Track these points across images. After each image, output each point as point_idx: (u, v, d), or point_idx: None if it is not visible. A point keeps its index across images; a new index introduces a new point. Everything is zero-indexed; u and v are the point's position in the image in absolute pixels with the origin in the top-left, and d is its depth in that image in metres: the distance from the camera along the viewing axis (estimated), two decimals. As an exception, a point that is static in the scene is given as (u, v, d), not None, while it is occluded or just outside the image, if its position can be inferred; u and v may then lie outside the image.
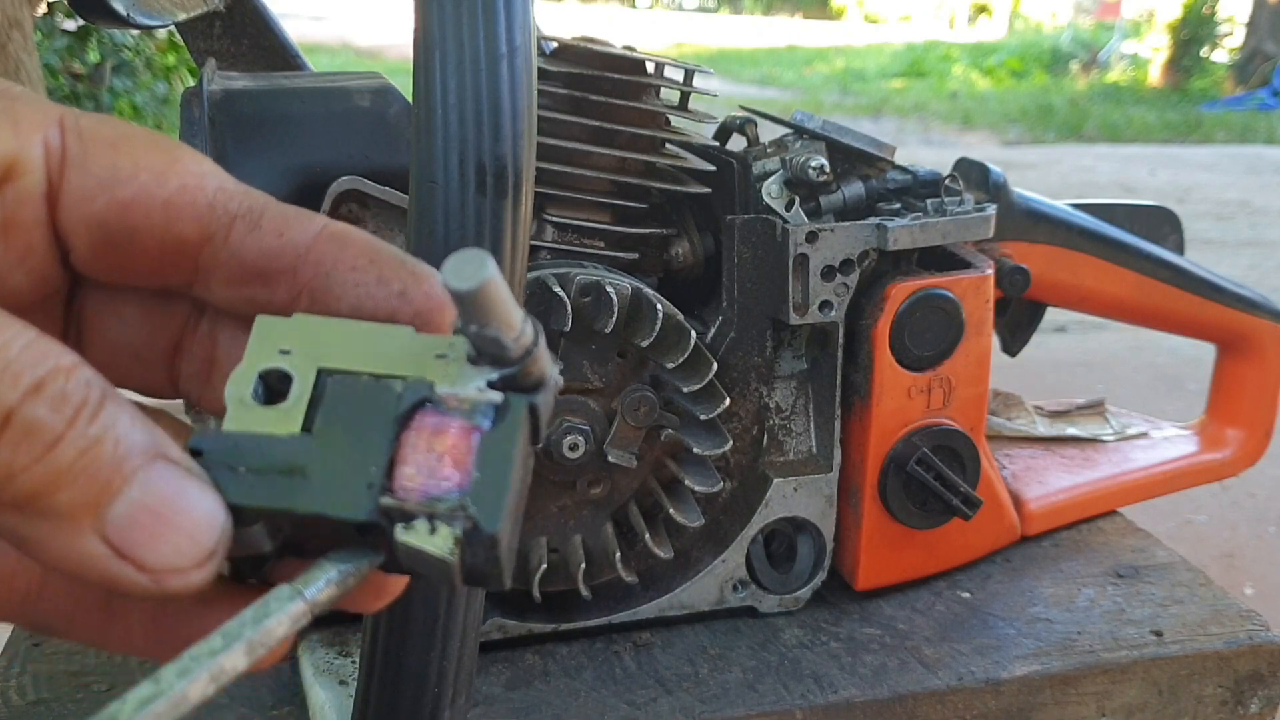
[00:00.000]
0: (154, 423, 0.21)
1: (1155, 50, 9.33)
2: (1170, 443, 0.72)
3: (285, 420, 0.22)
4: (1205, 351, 0.73)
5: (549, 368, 0.22)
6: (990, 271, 0.56)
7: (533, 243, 0.51)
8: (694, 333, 0.50)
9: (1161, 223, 0.71)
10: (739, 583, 0.55)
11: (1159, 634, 0.55)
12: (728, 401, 0.52)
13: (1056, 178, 4.68)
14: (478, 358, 0.22)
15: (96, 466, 0.19)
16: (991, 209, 0.56)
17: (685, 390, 0.51)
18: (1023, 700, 0.52)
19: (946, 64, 10.39)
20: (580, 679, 0.51)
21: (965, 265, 0.56)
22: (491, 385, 0.21)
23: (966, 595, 0.58)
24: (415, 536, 0.21)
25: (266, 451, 0.21)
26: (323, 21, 11.19)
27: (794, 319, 0.52)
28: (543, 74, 0.50)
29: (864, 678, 0.51)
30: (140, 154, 0.23)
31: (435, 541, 0.21)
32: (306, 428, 0.22)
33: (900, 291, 0.53)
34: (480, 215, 0.28)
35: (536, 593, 0.52)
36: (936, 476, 0.55)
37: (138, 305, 0.25)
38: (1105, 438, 0.73)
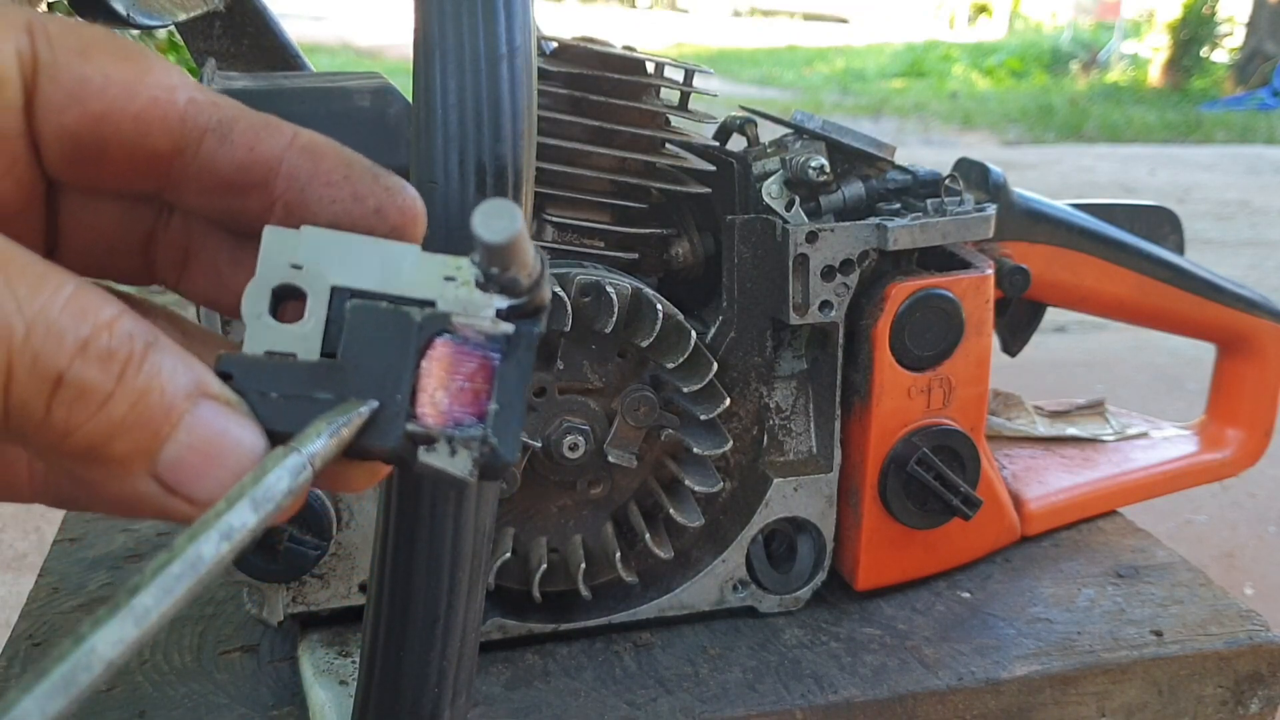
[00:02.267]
0: (194, 358, 0.21)
1: (1155, 50, 9.33)
2: (1170, 443, 0.72)
3: (305, 341, 0.23)
4: (1205, 351, 0.73)
5: (549, 294, 0.24)
6: (990, 272, 0.56)
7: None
8: (694, 333, 0.50)
9: (1161, 223, 0.71)
10: (739, 583, 0.55)
11: (1159, 634, 0.55)
12: (728, 401, 0.52)
13: (1056, 178, 4.68)
14: (486, 284, 0.23)
15: (147, 416, 0.20)
16: (991, 209, 0.56)
17: (685, 390, 0.51)
18: (1023, 700, 0.52)
19: (946, 64, 10.39)
20: (580, 679, 0.51)
21: (965, 265, 0.56)
22: (500, 313, 0.23)
23: (966, 595, 0.58)
24: (437, 459, 0.23)
25: (297, 378, 0.23)
26: (323, 21, 11.19)
27: (794, 319, 0.52)
28: (542, 74, 0.50)
29: (864, 678, 0.51)
30: (110, 64, 0.23)
31: (456, 464, 0.23)
32: (328, 350, 0.23)
33: (900, 291, 0.53)
34: None
35: (537, 593, 0.52)
36: (936, 477, 0.55)
37: (112, 203, 0.25)
38: (1105, 438, 0.73)
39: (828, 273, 0.52)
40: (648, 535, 0.52)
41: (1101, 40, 10.99)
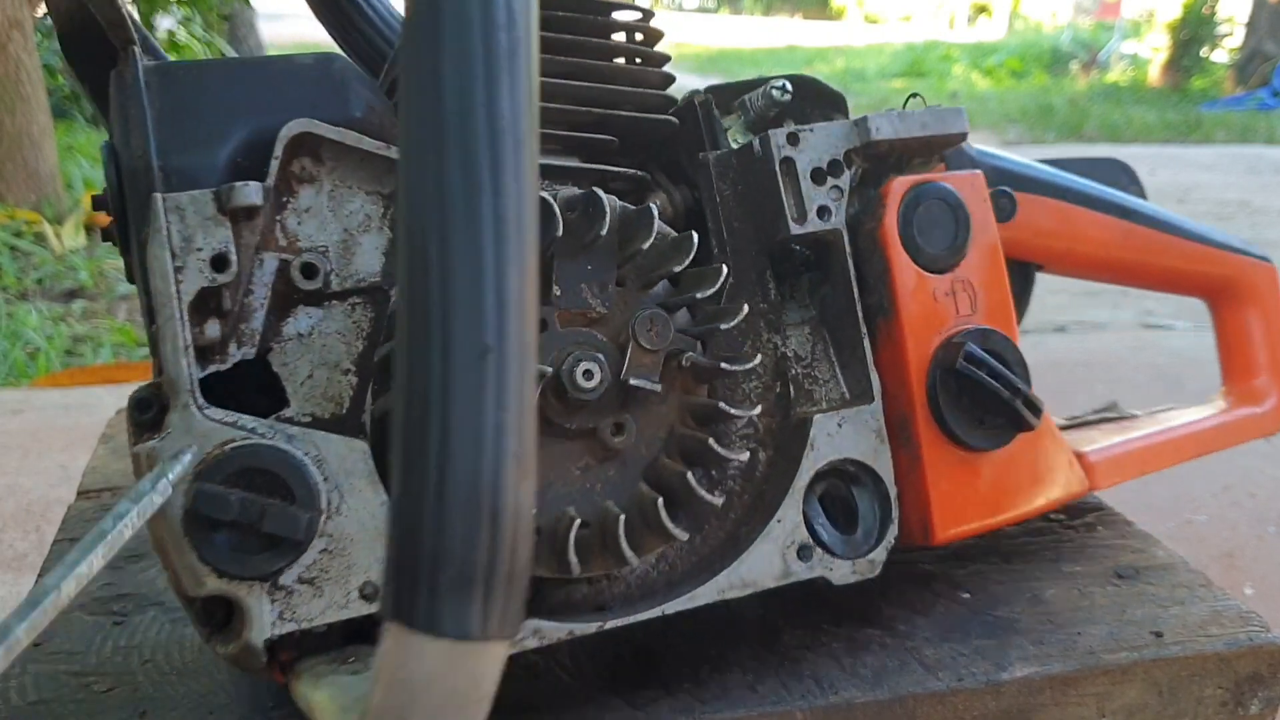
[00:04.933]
0: None
1: (1155, 50, 9.32)
2: (1201, 409, 0.69)
3: None
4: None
5: None
6: (980, 173, 0.54)
7: None
8: (694, 234, 0.47)
9: (1118, 174, 0.69)
10: (802, 548, 0.50)
11: (1159, 635, 0.55)
12: (746, 308, 0.48)
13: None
14: None
15: None
16: (963, 108, 0.55)
17: (699, 297, 0.47)
18: (1023, 701, 0.52)
19: (946, 64, 10.39)
20: (581, 679, 0.51)
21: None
22: None
23: (966, 596, 0.58)
24: None
25: None
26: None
27: (794, 229, 0.50)
28: None
29: (864, 678, 0.51)
30: None
31: None
32: None
33: (899, 186, 0.52)
34: None
35: (574, 560, 0.45)
36: (990, 373, 0.50)
37: None
38: (1134, 414, 0.70)
39: (817, 175, 0.51)
40: (689, 475, 0.46)
41: (1101, 40, 10.99)
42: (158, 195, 0.41)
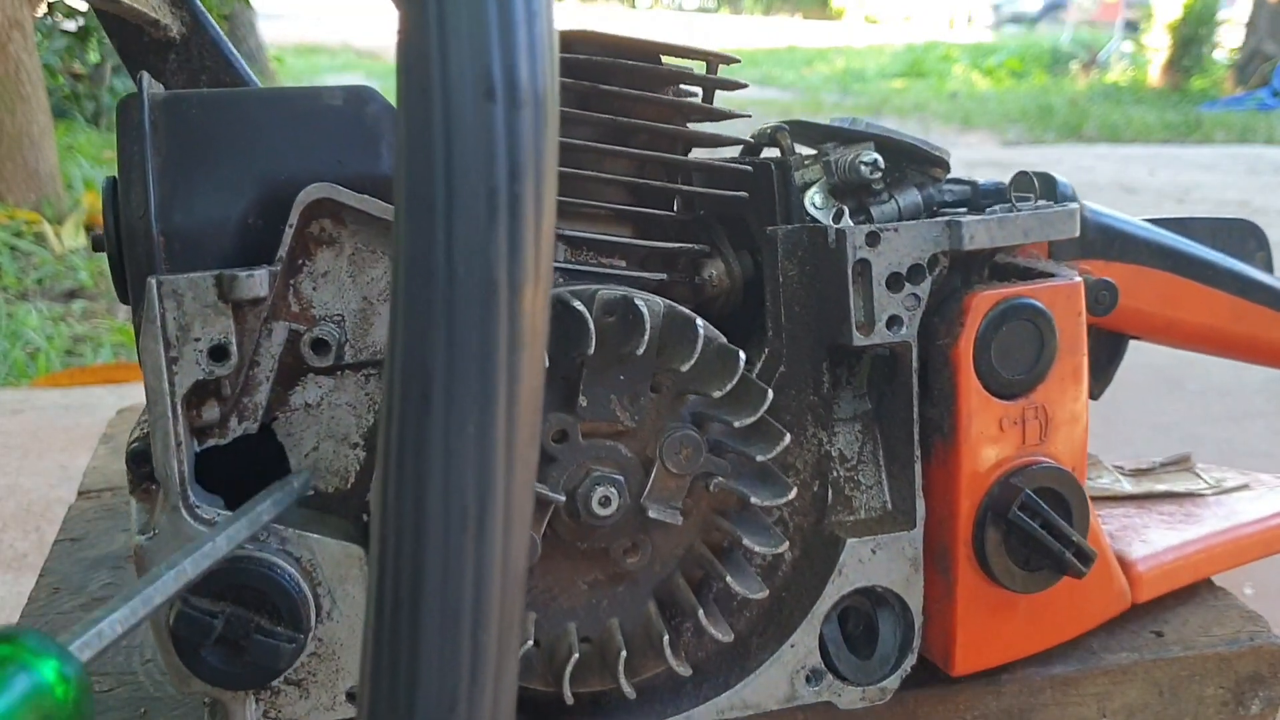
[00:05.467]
0: None
1: (1154, 50, 9.32)
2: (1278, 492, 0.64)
3: None
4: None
5: None
6: (1080, 279, 0.49)
7: None
8: (741, 355, 0.43)
9: (1246, 238, 0.63)
10: (812, 672, 0.47)
11: (1160, 634, 0.55)
12: (788, 438, 0.44)
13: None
14: None
15: None
16: (1075, 206, 0.49)
17: (735, 425, 0.43)
18: (1023, 701, 0.52)
19: (946, 64, 10.39)
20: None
21: (1048, 276, 0.48)
22: None
23: (967, 596, 0.58)
24: None
25: None
26: (323, 22, 11.18)
27: (858, 339, 0.45)
28: None
29: (865, 678, 0.51)
30: None
31: None
32: None
33: (982, 302, 0.46)
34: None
35: (568, 692, 0.43)
36: (1044, 525, 0.46)
37: None
38: (1202, 492, 0.64)
39: (894, 281, 0.45)
40: (700, 612, 0.43)
41: (1101, 40, 10.99)
42: (152, 281, 0.38)
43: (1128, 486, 0.64)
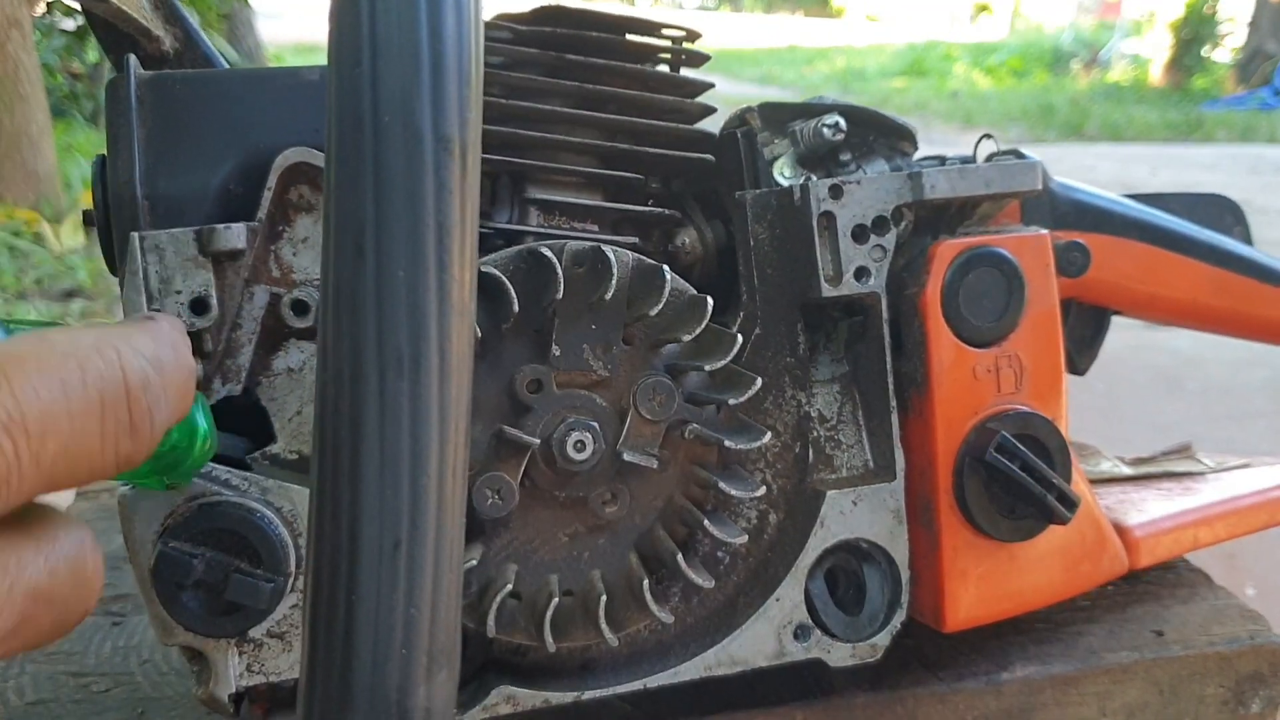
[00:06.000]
0: None
1: (1156, 49, 9.32)
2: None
3: None
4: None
5: None
6: (1046, 233, 0.49)
7: (514, 228, 0.46)
8: (709, 299, 0.44)
9: (1223, 213, 0.63)
10: (799, 628, 0.47)
11: (1160, 634, 0.55)
12: (759, 382, 0.44)
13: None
14: None
15: None
16: (1037, 160, 0.49)
17: (707, 370, 0.44)
18: (1024, 700, 0.51)
19: (947, 63, 10.39)
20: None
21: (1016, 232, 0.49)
22: None
23: (967, 595, 0.58)
24: None
25: None
26: (323, 21, 11.17)
27: (827, 291, 0.46)
28: (517, 37, 0.47)
29: (864, 678, 0.51)
30: None
31: None
32: None
33: (948, 250, 0.46)
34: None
35: (548, 636, 0.43)
36: (1022, 466, 0.46)
37: None
38: (1202, 471, 0.64)
39: (859, 233, 0.46)
40: (679, 556, 0.43)
41: (1103, 40, 10.99)
42: (135, 235, 0.39)
43: (1126, 471, 0.64)
